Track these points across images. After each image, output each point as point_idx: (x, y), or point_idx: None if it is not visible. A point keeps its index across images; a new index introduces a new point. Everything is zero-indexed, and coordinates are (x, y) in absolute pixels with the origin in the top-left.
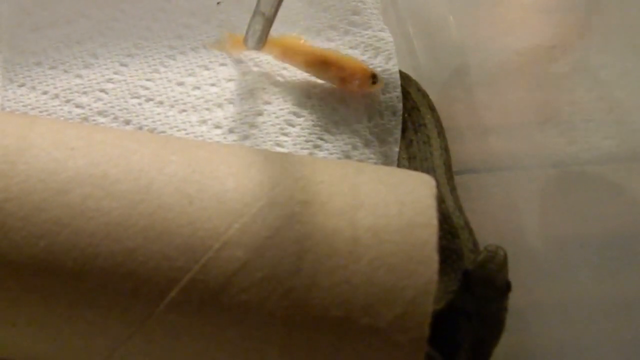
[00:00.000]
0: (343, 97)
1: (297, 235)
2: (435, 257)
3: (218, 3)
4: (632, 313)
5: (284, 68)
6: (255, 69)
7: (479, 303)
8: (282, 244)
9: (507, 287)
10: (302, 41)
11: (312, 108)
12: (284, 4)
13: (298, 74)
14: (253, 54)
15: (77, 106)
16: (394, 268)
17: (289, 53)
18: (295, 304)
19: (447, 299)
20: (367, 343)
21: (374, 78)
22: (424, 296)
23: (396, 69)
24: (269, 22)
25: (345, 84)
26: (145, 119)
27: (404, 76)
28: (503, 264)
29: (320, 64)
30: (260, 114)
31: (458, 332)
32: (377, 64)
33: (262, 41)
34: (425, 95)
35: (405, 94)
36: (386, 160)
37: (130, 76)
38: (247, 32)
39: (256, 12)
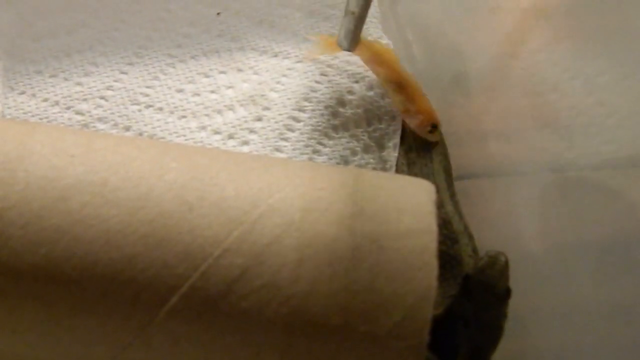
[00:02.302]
0: (342, 101)
1: (297, 243)
2: (434, 264)
3: (218, 14)
4: (631, 318)
5: (284, 75)
6: (254, 76)
7: (478, 309)
8: (281, 251)
9: (507, 293)
10: (390, 53)
11: (312, 113)
12: (283, 13)
13: (297, 80)
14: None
15: (77, 113)
16: (394, 275)
17: (376, 61)
18: (294, 311)
19: (446, 304)
20: (366, 350)
21: (433, 127)
22: (424, 303)
23: None
24: (360, 21)
25: (407, 115)
26: (145, 125)
27: None
28: (504, 270)
29: (396, 84)
30: (259, 119)
31: (456, 338)
32: None
33: (355, 41)
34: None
35: None
36: (385, 166)
37: (130, 83)
38: (339, 33)
39: (347, 11)
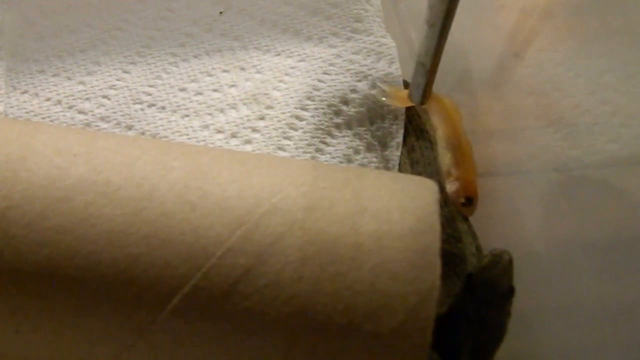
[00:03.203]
0: (345, 100)
1: (300, 242)
2: (438, 264)
3: (220, 13)
4: (635, 317)
5: (286, 74)
6: (257, 75)
7: (481, 307)
8: (284, 250)
9: (510, 291)
10: (456, 112)
11: (314, 111)
12: (286, 11)
13: (300, 79)
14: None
15: (80, 112)
16: (397, 274)
17: (441, 116)
18: (298, 311)
19: (449, 303)
20: (369, 349)
21: (467, 200)
22: (427, 302)
23: (399, 72)
24: (431, 73)
25: (448, 179)
26: (148, 124)
27: (404, 83)
28: (507, 268)
29: (449, 144)
30: (262, 118)
31: (459, 336)
32: (380, 68)
33: (427, 95)
34: None
35: None
36: (388, 164)
37: (133, 83)
38: (411, 85)
39: (417, 62)
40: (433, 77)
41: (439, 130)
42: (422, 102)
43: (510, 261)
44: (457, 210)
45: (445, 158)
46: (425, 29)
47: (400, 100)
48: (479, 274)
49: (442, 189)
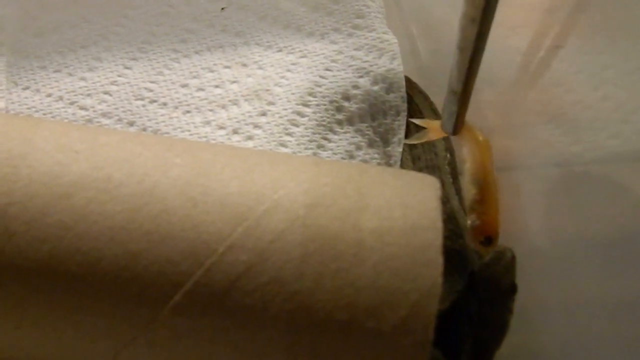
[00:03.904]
0: (347, 96)
1: (301, 239)
2: (439, 260)
3: (222, 9)
4: (637, 313)
5: (288, 70)
6: (259, 71)
7: (483, 304)
8: (286, 247)
9: (512, 289)
10: (488, 148)
11: (316, 108)
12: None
13: (302, 75)
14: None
15: (81, 108)
16: (398, 271)
17: (471, 150)
18: (299, 308)
19: (451, 300)
20: (371, 346)
21: (486, 239)
22: (429, 299)
23: (400, 68)
24: (463, 101)
25: (470, 214)
26: (149, 120)
27: (405, 79)
28: (510, 266)
29: (477, 180)
30: (264, 114)
31: (460, 333)
32: (382, 64)
33: (460, 124)
34: (426, 98)
35: (408, 97)
36: (390, 161)
37: (135, 78)
38: (443, 114)
39: (449, 90)
40: (466, 105)
41: (467, 163)
42: (454, 132)
43: (513, 258)
44: (472, 238)
45: (469, 193)
46: (456, 53)
47: (434, 133)
48: (481, 271)
49: (443, 185)
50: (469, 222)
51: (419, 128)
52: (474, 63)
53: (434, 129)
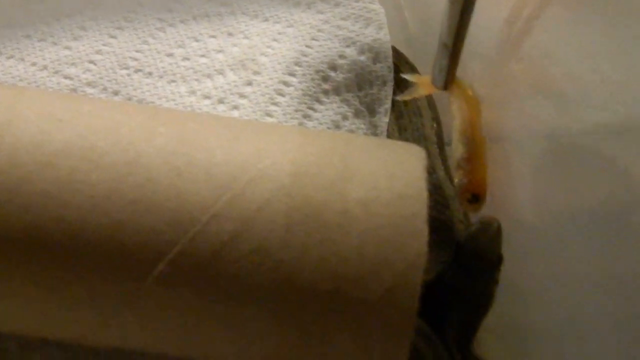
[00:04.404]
0: (334, 66)
1: (286, 208)
2: (425, 230)
3: None
4: (625, 285)
5: (274, 40)
6: (245, 41)
7: (469, 275)
8: (270, 216)
9: (498, 260)
10: (477, 105)
11: (302, 77)
12: None
13: (288, 44)
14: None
15: (66, 77)
16: (384, 241)
17: (460, 107)
18: (284, 277)
19: (437, 270)
20: (356, 316)
21: (473, 198)
22: (414, 269)
23: (387, 38)
24: (455, 55)
25: (457, 172)
26: (134, 89)
27: (392, 49)
28: (496, 236)
29: (465, 137)
30: (249, 83)
31: (446, 304)
32: (368, 34)
33: (451, 79)
34: (413, 68)
35: (394, 66)
36: (376, 131)
37: (120, 48)
38: (433, 69)
39: (440, 44)
40: (457, 59)
41: (456, 120)
42: (445, 87)
43: (499, 229)
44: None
45: (457, 151)
46: (447, 5)
47: (425, 89)
48: (467, 242)
49: (429, 155)
50: (456, 180)
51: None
52: (465, 15)
53: (424, 84)
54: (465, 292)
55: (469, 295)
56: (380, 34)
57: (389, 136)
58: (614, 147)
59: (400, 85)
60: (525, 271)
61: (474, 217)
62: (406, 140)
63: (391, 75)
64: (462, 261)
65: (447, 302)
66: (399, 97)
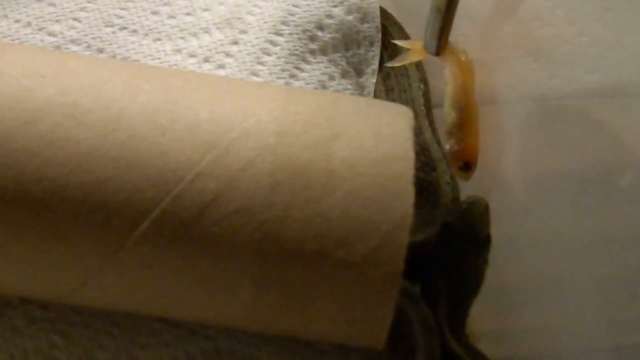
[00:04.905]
0: (321, 25)
1: (271, 167)
2: (411, 191)
3: None
4: (610, 248)
5: None
6: None
7: (458, 256)
8: (255, 175)
9: (487, 239)
10: (471, 71)
11: (289, 37)
12: None
13: (275, 3)
14: None
15: (50, 34)
16: (369, 201)
17: (453, 72)
18: (268, 237)
19: (425, 233)
20: (341, 277)
21: (465, 165)
22: (399, 230)
23: None
24: (447, 19)
25: (449, 139)
26: (119, 47)
27: (380, 9)
28: (483, 216)
29: (457, 103)
30: (235, 42)
31: (437, 285)
32: None
33: (443, 44)
34: (401, 29)
35: (382, 27)
36: (363, 92)
37: (104, 5)
38: (425, 33)
39: (432, 7)
40: (450, 23)
41: (449, 85)
42: (437, 53)
43: (487, 208)
44: (456, 174)
45: (449, 117)
46: None
47: (416, 54)
48: (455, 222)
49: (416, 116)
50: (447, 146)
51: (392, 58)
52: None
53: (416, 50)
54: (455, 273)
55: (459, 275)
56: None
57: (375, 97)
58: (602, 110)
59: (388, 47)
60: (511, 232)
61: (462, 184)
62: (393, 100)
63: (379, 36)
64: (450, 241)
65: (438, 283)
66: (390, 64)
